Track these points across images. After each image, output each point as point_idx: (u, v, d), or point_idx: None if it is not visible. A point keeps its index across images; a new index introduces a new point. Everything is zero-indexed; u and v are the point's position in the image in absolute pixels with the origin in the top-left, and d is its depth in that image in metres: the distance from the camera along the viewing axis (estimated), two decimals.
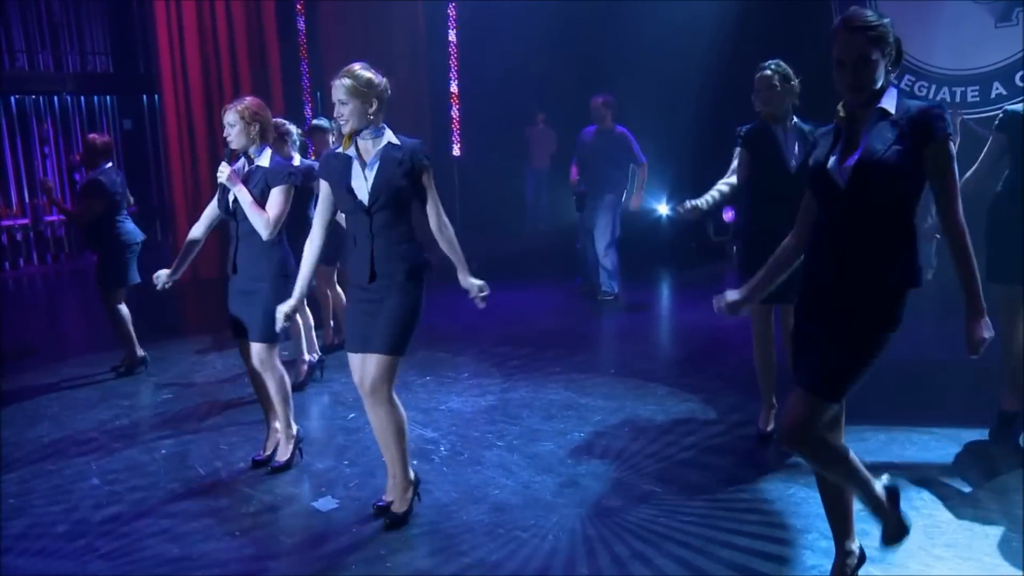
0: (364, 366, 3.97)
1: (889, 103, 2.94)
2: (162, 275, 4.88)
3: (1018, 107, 4.66)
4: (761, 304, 4.72)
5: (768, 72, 4.66)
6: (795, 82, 4.69)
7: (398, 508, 4.09)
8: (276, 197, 4.52)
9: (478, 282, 4.19)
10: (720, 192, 4.92)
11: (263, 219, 4.48)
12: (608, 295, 8.96)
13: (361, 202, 3.88)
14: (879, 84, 2.92)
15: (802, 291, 3.17)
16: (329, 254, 5.98)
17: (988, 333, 2.93)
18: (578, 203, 8.95)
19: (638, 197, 8.83)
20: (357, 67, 3.88)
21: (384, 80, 3.91)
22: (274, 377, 4.73)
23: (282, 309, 4.06)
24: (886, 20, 2.92)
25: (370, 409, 4.00)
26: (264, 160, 4.56)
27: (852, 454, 3.11)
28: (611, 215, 8.79)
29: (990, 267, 4.67)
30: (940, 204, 2.92)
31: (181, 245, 4.92)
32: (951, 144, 2.90)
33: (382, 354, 3.90)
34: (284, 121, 6.24)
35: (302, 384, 6.18)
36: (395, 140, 3.93)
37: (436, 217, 4.02)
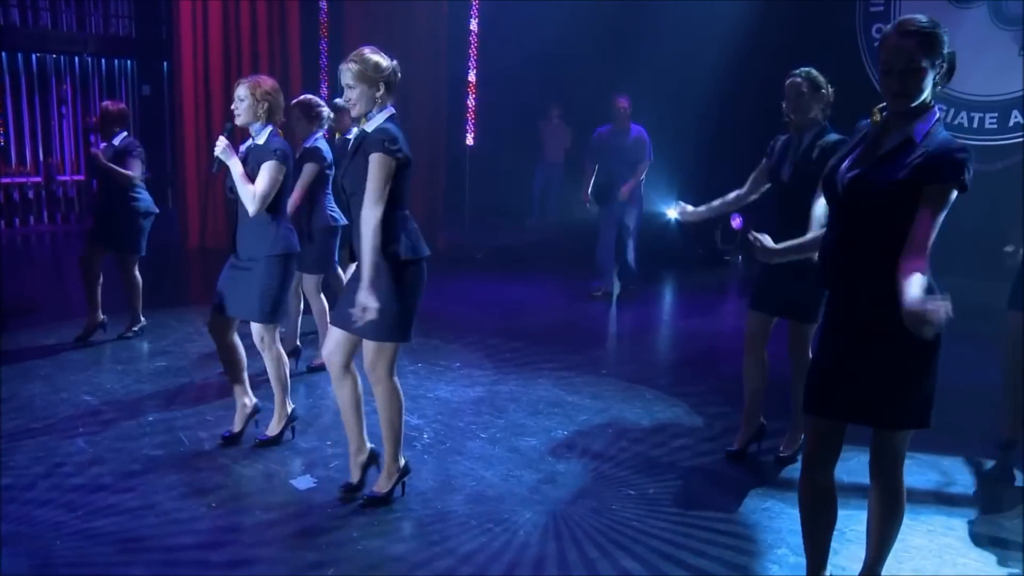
0: (364, 351, 4.01)
1: (921, 129, 2.82)
2: None
3: None
4: (759, 312, 4.72)
5: (798, 79, 4.52)
6: (825, 91, 4.52)
7: (380, 488, 4.15)
8: (263, 173, 4.50)
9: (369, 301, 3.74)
10: (724, 200, 4.86)
11: (250, 193, 4.48)
12: (632, 286, 9.22)
13: (343, 185, 3.93)
14: (924, 95, 2.82)
15: (825, 314, 3.14)
16: (318, 262, 6.00)
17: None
18: (601, 198, 9.05)
19: (628, 188, 8.86)
20: (366, 51, 3.89)
21: (393, 63, 3.91)
22: (272, 357, 4.77)
23: (363, 295, 3.74)
24: (941, 28, 2.81)
25: (374, 389, 4.05)
26: (262, 138, 4.58)
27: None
28: (638, 209, 9.05)
29: (1013, 295, 4.69)
30: (910, 235, 2.72)
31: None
32: (952, 191, 2.74)
33: (368, 340, 3.96)
34: (320, 102, 6.13)
35: (322, 366, 6.22)
36: (373, 125, 3.87)
37: (364, 206, 3.79)
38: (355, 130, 4.11)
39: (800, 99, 4.50)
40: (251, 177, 4.50)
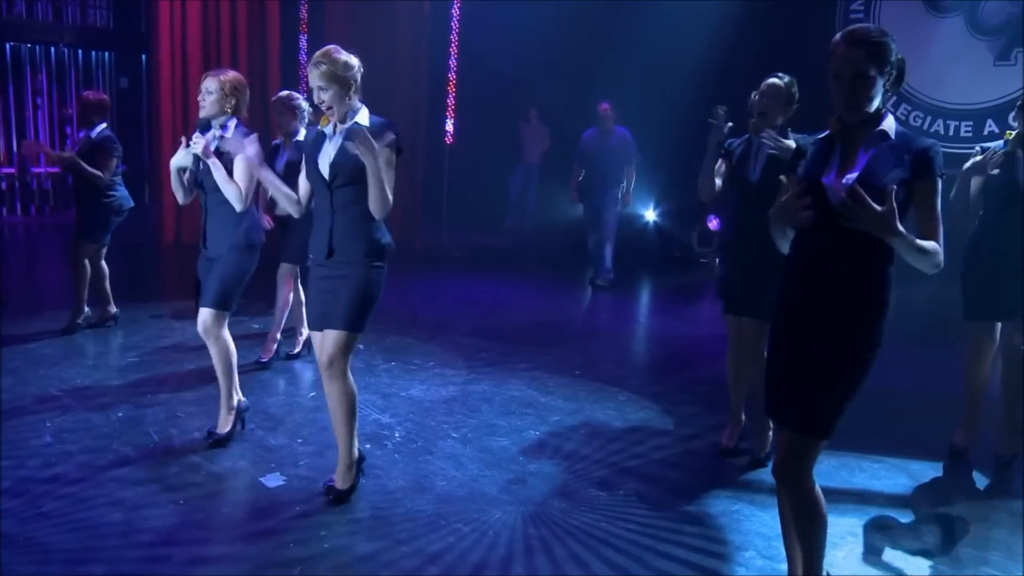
0: (323, 342, 4.00)
1: (888, 127, 2.90)
2: None
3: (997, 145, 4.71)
4: (735, 315, 4.76)
5: (780, 83, 4.56)
6: (795, 106, 4.60)
7: (341, 484, 4.14)
8: (240, 169, 4.47)
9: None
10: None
11: (235, 191, 4.46)
12: (606, 280, 9.63)
13: (324, 177, 3.91)
14: (875, 103, 2.87)
15: (776, 312, 3.13)
16: (298, 252, 5.96)
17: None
18: (583, 197, 9.67)
19: (629, 196, 9.55)
20: (331, 51, 3.89)
21: (358, 61, 3.93)
22: (218, 346, 4.67)
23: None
24: (889, 37, 2.87)
25: (329, 384, 4.04)
26: (229, 132, 4.54)
27: (827, 521, 3.12)
28: (615, 208, 9.55)
29: (967, 305, 4.79)
30: (922, 235, 2.84)
31: (168, 210, 4.91)
32: (939, 181, 2.87)
33: (339, 330, 3.95)
34: (297, 95, 6.18)
35: (299, 355, 6.33)
36: (365, 119, 3.92)
37: (371, 198, 3.88)
38: (302, 129, 4.11)
39: (774, 102, 4.56)
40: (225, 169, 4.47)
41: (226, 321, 4.70)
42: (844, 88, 2.85)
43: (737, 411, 4.97)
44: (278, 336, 6.29)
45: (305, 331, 6.35)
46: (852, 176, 2.90)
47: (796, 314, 3.03)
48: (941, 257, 2.85)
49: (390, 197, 3.89)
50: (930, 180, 2.85)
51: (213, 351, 4.69)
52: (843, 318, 2.93)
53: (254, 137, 4.49)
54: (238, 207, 4.49)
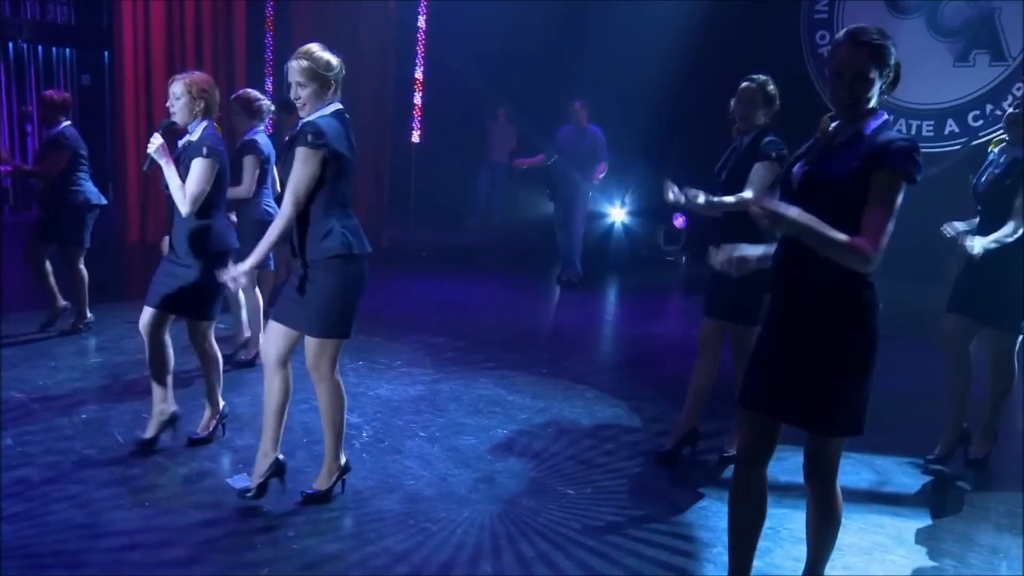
0: (282, 340, 3.98)
1: (871, 125, 2.89)
2: (166, 241, 4.73)
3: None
4: (712, 318, 4.74)
5: (753, 87, 4.57)
6: (776, 105, 4.59)
7: (320, 485, 4.13)
8: (194, 172, 4.40)
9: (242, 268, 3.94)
10: (724, 201, 4.76)
11: (180, 194, 4.40)
12: (575, 276, 9.67)
13: (281, 178, 3.90)
14: (872, 103, 2.89)
15: (770, 308, 3.14)
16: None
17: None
18: (551, 193, 9.72)
19: (598, 173, 9.58)
20: (315, 48, 3.83)
21: (339, 60, 3.88)
22: (208, 354, 4.72)
23: (241, 268, 3.93)
24: (891, 40, 2.88)
25: (317, 387, 4.05)
26: (196, 135, 4.49)
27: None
28: (585, 206, 9.75)
29: (953, 299, 4.86)
30: (861, 227, 2.76)
31: (132, 210, 4.86)
32: (900, 180, 2.78)
33: (311, 337, 3.94)
34: (259, 95, 6.09)
35: (250, 362, 6.19)
36: (314, 117, 3.82)
37: (285, 197, 3.81)
38: (261, 128, 4.08)
39: (751, 106, 4.57)
40: (183, 177, 4.42)
41: (212, 330, 4.72)
42: (844, 87, 2.87)
43: (689, 414, 4.85)
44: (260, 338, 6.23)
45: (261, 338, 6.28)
46: (806, 169, 2.94)
47: (784, 313, 3.04)
48: (871, 255, 2.74)
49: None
50: (882, 172, 2.77)
51: (201, 359, 4.75)
52: (825, 313, 2.93)
53: (212, 138, 4.48)
54: (183, 210, 4.42)
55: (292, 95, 3.84)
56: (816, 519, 3.20)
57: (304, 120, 3.83)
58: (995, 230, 4.62)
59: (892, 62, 2.88)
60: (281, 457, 4.12)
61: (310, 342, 3.95)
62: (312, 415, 4.20)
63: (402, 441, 4.96)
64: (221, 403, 4.83)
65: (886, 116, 2.95)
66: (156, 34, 10.89)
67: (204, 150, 4.41)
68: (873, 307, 2.94)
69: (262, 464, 4.09)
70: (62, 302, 6.89)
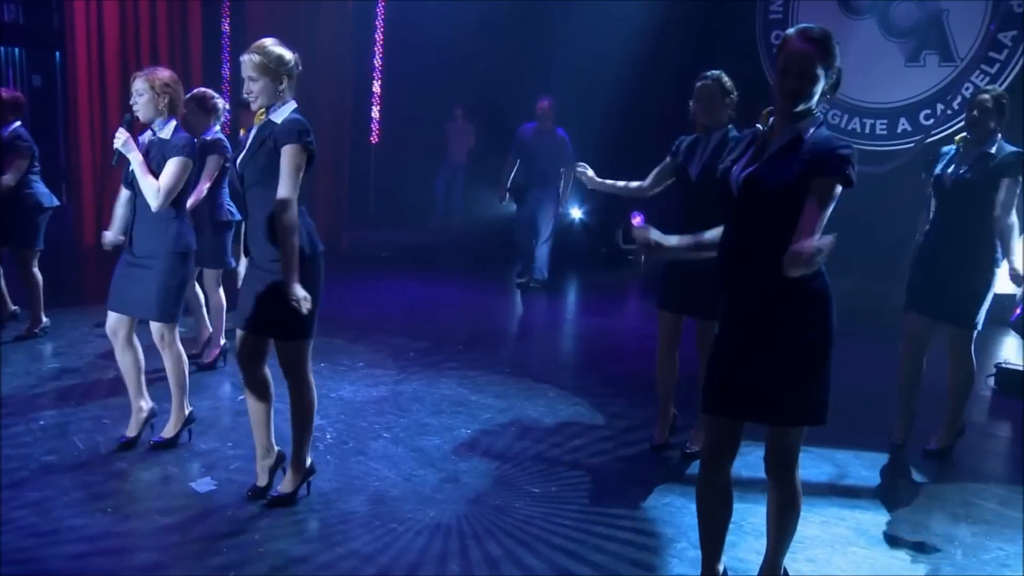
0: (254, 346, 3.97)
1: (807, 128, 2.96)
2: (108, 236, 4.74)
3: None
4: (670, 312, 4.82)
5: (709, 83, 4.61)
6: (733, 94, 4.65)
7: (285, 488, 4.13)
8: (170, 168, 4.39)
9: (300, 292, 3.74)
10: (626, 185, 4.98)
11: (153, 187, 4.36)
12: (539, 281, 9.50)
13: (242, 178, 3.87)
14: (814, 102, 2.95)
15: (722, 312, 3.17)
16: (213, 256, 5.96)
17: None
18: (517, 196, 9.45)
19: (566, 196, 9.53)
20: (268, 43, 3.83)
21: (295, 56, 3.87)
22: (172, 356, 4.68)
23: (299, 292, 3.72)
24: (837, 43, 2.96)
25: (289, 390, 4.05)
26: (166, 132, 4.47)
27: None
28: (553, 208, 9.45)
29: (907, 296, 4.99)
30: (797, 232, 2.80)
31: (87, 211, 4.79)
32: (838, 185, 2.87)
33: (278, 340, 3.95)
34: (214, 94, 6.05)
35: (211, 364, 6.17)
36: (280, 117, 3.81)
37: (277, 199, 3.71)
38: (216, 127, 4.04)
39: (712, 102, 4.62)
40: (153, 172, 4.39)
41: (177, 331, 4.66)
42: (790, 82, 2.92)
43: (667, 408, 5.04)
44: (222, 341, 6.22)
45: (223, 340, 6.27)
46: (748, 170, 2.99)
47: (737, 310, 3.09)
48: None
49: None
50: (822, 177, 2.85)
51: (167, 361, 4.69)
52: (778, 305, 2.99)
53: (188, 138, 4.49)
54: (153, 204, 4.38)
55: (244, 90, 3.84)
56: (777, 511, 3.27)
57: (289, 118, 3.79)
58: (956, 224, 4.75)
59: (837, 64, 2.96)
60: (279, 448, 4.25)
61: (286, 346, 3.94)
62: (278, 417, 4.18)
63: (366, 442, 4.96)
64: (187, 408, 4.80)
65: (822, 119, 3.04)
66: (110, 34, 10.72)
67: (184, 148, 4.42)
68: (827, 295, 3.03)
69: (264, 469, 4.19)
70: (12, 307, 6.80)
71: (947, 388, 5.10)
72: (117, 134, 4.41)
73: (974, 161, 4.76)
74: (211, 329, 6.24)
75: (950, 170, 4.82)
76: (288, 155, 3.73)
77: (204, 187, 5.72)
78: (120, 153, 4.41)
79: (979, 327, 4.90)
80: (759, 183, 2.96)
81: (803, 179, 2.88)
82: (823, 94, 2.97)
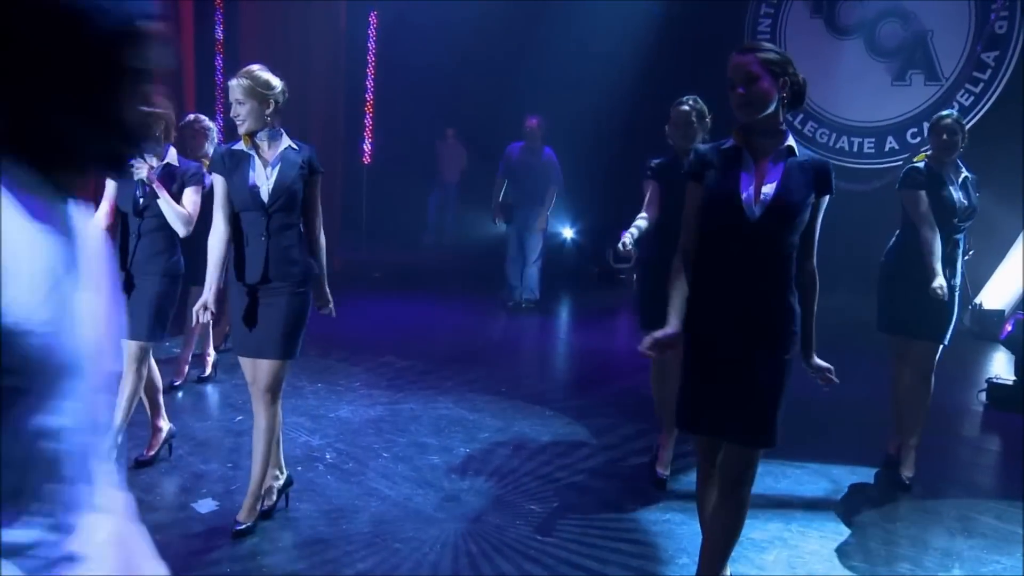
0: (255, 370, 3.98)
1: (786, 139, 3.06)
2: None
3: (918, 164, 4.83)
4: (650, 331, 4.83)
5: (686, 108, 4.66)
6: (708, 119, 4.70)
7: (244, 518, 4.01)
8: (191, 196, 4.51)
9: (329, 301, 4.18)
10: (639, 228, 4.87)
11: (184, 216, 4.43)
12: (531, 301, 9.46)
13: (262, 200, 3.88)
14: (770, 108, 3.00)
15: (702, 329, 3.16)
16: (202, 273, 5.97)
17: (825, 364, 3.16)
18: (506, 216, 9.37)
19: (543, 220, 9.27)
20: (256, 68, 3.90)
21: (282, 83, 3.93)
22: (141, 376, 4.52)
23: (200, 302, 3.93)
24: (779, 51, 3.08)
25: (263, 411, 4.00)
26: (172, 158, 4.54)
27: None
28: (541, 235, 9.36)
29: (880, 318, 4.92)
30: (805, 250, 3.13)
31: None
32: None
33: (277, 359, 3.95)
34: (203, 117, 6.11)
35: (209, 377, 6.24)
36: (294, 144, 3.98)
37: (316, 226, 4.09)
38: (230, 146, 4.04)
39: (689, 127, 4.67)
40: (178, 197, 4.48)
41: (150, 352, 4.61)
42: (738, 92, 3.01)
43: (671, 427, 4.98)
44: (189, 358, 6.24)
45: (213, 353, 6.31)
46: (770, 194, 3.02)
47: (724, 328, 3.11)
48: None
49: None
50: (824, 197, 3.10)
51: (133, 380, 4.47)
52: (767, 326, 3.07)
53: (197, 164, 4.63)
54: (182, 232, 4.47)
55: (232, 113, 3.90)
56: (730, 527, 3.27)
57: (308, 151, 4.01)
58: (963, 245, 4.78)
59: (789, 71, 3.03)
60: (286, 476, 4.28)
61: (272, 365, 3.95)
62: (242, 439, 4.21)
63: (366, 462, 4.97)
64: (165, 424, 4.82)
65: (789, 131, 3.15)
66: None
67: (195, 176, 4.55)
68: (798, 313, 3.13)
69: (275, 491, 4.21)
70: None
71: (907, 404, 4.96)
72: (136, 165, 4.31)
73: (975, 183, 4.79)
74: (195, 348, 6.27)
75: (956, 196, 4.70)
76: (319, 182, 4.04)
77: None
78: (143, 183, 4.41)
79: (946, 343, 4.82)
80: (788, 203, 3.01)
81: (811, 198, 3.06)
82: (782, 100, 3.02)
